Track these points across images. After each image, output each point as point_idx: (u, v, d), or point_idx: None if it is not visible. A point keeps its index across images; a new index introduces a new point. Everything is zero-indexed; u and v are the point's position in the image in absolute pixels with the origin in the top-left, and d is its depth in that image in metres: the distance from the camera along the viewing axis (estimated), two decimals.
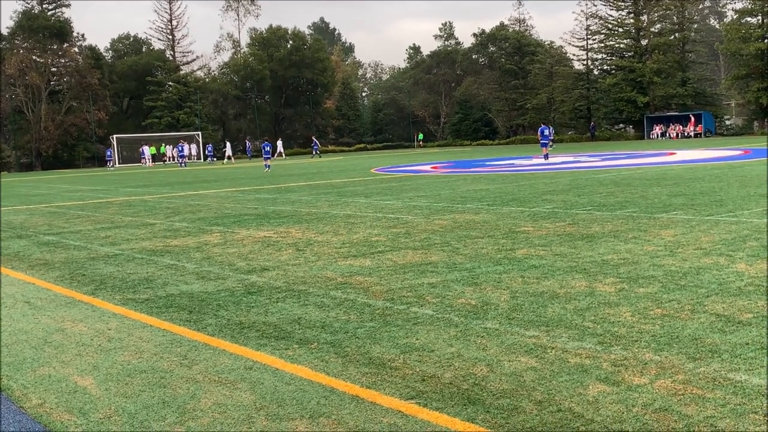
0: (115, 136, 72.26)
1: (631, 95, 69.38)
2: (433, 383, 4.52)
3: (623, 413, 3.92)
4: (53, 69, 78.18)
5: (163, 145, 70.20)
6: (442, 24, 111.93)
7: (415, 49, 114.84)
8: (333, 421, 4.03)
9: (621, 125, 77.70)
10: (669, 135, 65.12)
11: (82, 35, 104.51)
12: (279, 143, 71.65)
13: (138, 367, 5.18)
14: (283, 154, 71.41)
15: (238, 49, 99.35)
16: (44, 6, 78.51)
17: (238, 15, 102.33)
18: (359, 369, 4.87)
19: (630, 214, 12.07)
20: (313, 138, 72.49)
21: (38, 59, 75.59)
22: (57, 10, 79.13)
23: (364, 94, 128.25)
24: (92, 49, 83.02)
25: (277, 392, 4.52)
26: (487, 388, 4.39)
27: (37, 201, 24.01)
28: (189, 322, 6.40)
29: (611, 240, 9.49)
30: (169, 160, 70.54)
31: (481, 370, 4.71)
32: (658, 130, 66.79)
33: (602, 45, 76.63)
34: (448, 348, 5.21)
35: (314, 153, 68.62)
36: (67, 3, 79.83)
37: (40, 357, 5.59)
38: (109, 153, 65.65)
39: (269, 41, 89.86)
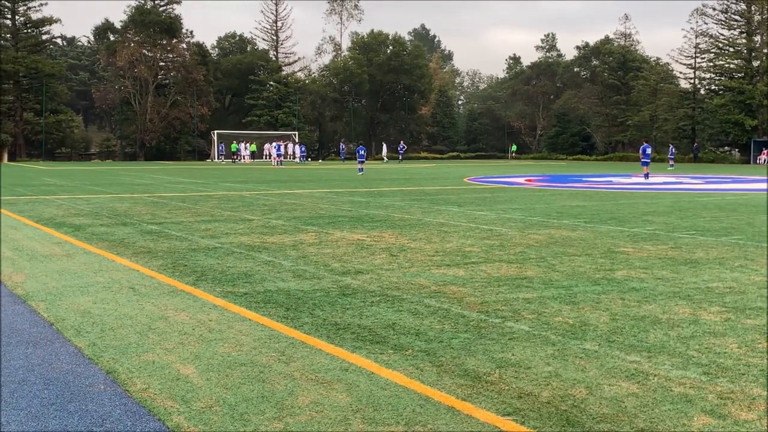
0: (216, 131, 74.33)
1: (738, 117, 66.92)
2: (530, 401, 4.45)
3: None
4: (161, 63, 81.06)
5: (234, 142, 71.69)
6: (545, 35, 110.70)
7: (515, 59, 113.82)
8: (429, 431, 4.01)
9: (726, 148, 74.99)
10: None
11: (191, 32, 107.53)
12: (384, 149, 72.30)
13: (238, 360, 5.30)
14: (385, 158, 71.50)
15: (339, 52, 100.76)
16: (156, 2, 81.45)
17: (341, 19, 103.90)
18: (454, 380, 4.84)
19: (736, 241, 11.62)
20: (401, 142, 72.99)
21: (148, 53, 78.57)
22: (168, 6, 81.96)
23: (460, 102, 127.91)
24: (199, 46, 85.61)
25: (373, 396, 4.54)
26: (587, 410, 4.30)
27: (140, 190, 24.92)
28: (286, 319, 6.51)
29: (716, 267, 9.15)
30: (265, 158, 72.10)
31: (580, 392, 4.62)
32: (765, 155, 64.15)
33: (711, 64, 74.17)
34: (546, 366, 5.13)
35: (400, 157, 69.62)
36: (177, 0, 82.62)
37: (145, 343, 5.78)
38: (221, 147, 69.19)
39: (370, 46, 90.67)
